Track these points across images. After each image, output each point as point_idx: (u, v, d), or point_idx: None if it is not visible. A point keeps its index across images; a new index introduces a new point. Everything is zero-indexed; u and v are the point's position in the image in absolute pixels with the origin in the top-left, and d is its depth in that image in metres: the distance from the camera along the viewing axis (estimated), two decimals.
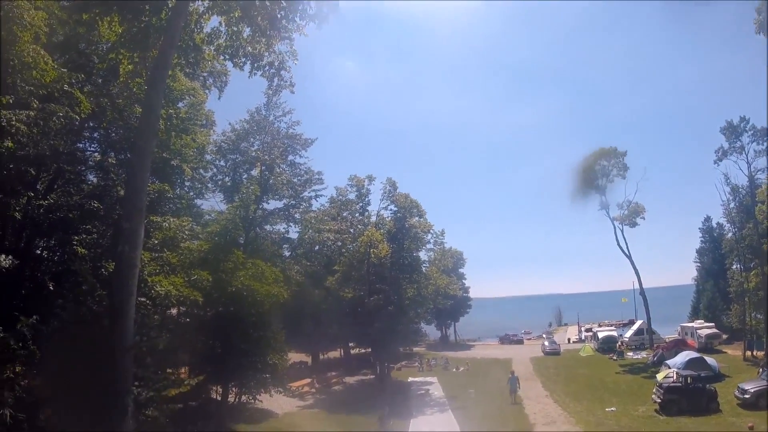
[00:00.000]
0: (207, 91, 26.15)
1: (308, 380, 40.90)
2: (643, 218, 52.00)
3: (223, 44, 15.93)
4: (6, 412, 9.32)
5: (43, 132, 13.92)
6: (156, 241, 19.20)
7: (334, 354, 56.43)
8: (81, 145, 18.66)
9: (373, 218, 47.59)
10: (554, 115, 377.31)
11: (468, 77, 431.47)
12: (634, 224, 52.18)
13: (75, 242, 16.58)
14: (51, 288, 14.73)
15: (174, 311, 27.18)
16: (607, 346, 53.64)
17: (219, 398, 27.36)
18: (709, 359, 35.27)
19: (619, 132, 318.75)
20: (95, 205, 16.50)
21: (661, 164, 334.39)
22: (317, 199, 45.20)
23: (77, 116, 15.17)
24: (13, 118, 11.63)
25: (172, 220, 20.51)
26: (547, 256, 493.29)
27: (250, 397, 28.56)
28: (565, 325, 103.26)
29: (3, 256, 12.20)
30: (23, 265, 14.23)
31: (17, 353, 10.29)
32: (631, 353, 50.30)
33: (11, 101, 11.85)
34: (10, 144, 11.52)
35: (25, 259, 14.62)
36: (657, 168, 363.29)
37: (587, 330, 73.09)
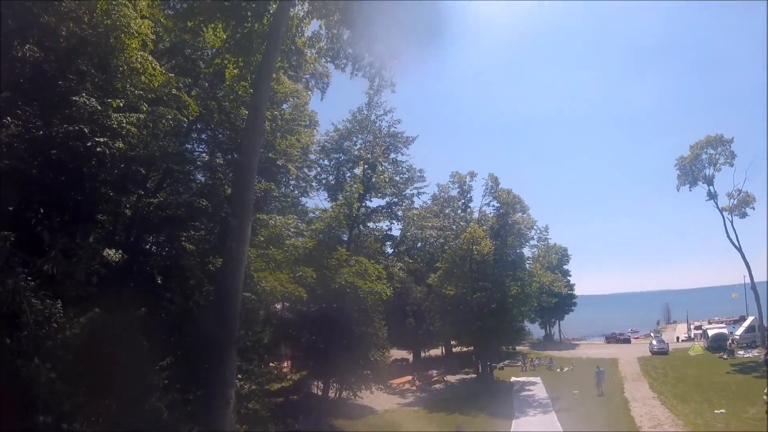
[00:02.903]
0: (310, 92, 26.68)
1: (409, 378, 41.00)
2: (753, 208, 48.47)
3: (324, 47, 16.04)
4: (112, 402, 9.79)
5: (153, 133, 14.71)
6: (262, 238, 19.69)
7: (436, 352, 56.23)
8: (189, 146, 19.63)
9: (476, 215, 46.47)
10: (657, 103, 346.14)
11: (562, 66, 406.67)
12: (743, 215, 48.88)
13: (183, 238, 17.41)
14: (159, 282, 15.55)
15: (278, 306, 28.08)
16: (717, 344, 49.58)
17: (320, 393, 27.85)
18: None
19: (727, 114, 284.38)
20: (203, 203, 17.17)
21: None
22: (419, 196, 45.15)
23: (185, 119, 15.89)
24: (124, 121, 12.31)
25: (277, 217, 21.00)
26: (655, 251, 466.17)
27: (351, 393, 28.91)
28: (674, 322, 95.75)
29: (113, 250, 12.99)
30: (133, 260, 15.09)
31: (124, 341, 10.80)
32: (741, 351, 46.26)
33: (122, 105, 12.58)
34: (121, 145, 12.20)
35: (134, 254, 15.49)
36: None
37: (696, 327, 67.95)
